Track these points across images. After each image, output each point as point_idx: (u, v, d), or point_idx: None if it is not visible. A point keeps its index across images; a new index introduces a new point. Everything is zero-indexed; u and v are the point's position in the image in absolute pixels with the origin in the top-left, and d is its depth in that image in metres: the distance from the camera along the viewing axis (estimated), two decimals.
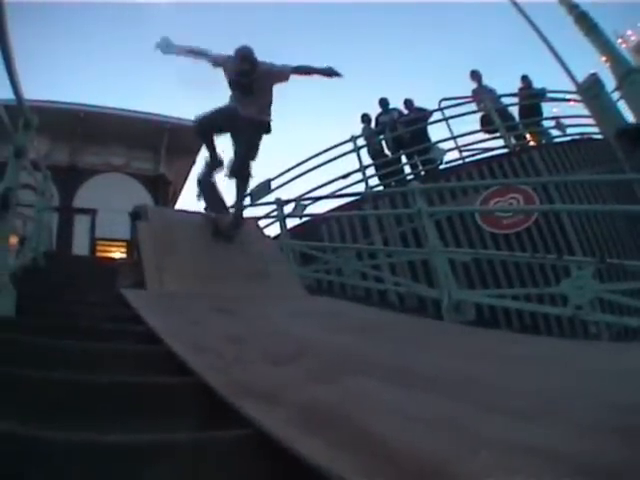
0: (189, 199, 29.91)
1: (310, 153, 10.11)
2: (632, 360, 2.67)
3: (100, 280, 5.24)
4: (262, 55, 5.16)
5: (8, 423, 1.50)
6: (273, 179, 10.34)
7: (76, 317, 3.12)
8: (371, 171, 10.31)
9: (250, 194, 10.29)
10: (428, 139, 10.30)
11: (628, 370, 2.38)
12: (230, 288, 4.49)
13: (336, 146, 10.19)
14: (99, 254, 13.56)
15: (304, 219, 8.77)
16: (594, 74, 9.52)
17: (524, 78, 10.89)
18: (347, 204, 8.74)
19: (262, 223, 8.23)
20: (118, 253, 13.54)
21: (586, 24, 9.21)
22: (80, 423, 1.59)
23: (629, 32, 26.36)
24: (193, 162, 15.74)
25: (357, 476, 1.21)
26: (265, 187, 10.30)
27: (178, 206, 16.95)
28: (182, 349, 2.38)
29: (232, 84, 5.29)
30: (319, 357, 2.57)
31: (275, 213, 8.48)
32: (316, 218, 8.71)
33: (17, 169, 3.28)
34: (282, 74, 5.20)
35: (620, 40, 21.13)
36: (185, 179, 16.53)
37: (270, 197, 9.75)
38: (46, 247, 6.51)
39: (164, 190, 15.41)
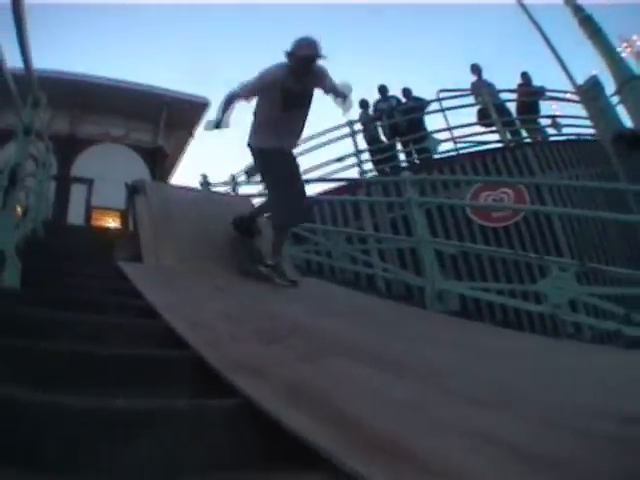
0: (185, 172, 29.87)
1: (307, 134, 10.16)
2: (598, 362, 2.85)
3: (98, 251, 5.31)
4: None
5: (21, 388, 1.63)
6: None
7: (76, 290, 3.22)
8: (366, 156, 10.36)
9: (246, 172, 10.43)
10: (424, 128, 10.35)
11: (593, 372, 2.55)
12: (225, 266, 4.58)
13: (333, 129, 10.25)
14: (94, 223, 13.60)
15: None
16: (594, 76, 9.54)
17: (524, 75, 10.97)
18: (340, 188, 8.75)
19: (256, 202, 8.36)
20: (112, 222, 13.63)
21: (590, 27, 9.08)
22: (83, 390, 1.72)
23: (635, 37, 26.23)
24: (190, 135, 15.85)
25: (337, 449, 1.37)
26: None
27: (174, 179, 17.10)
28: (179, 324, 2.51)
29: (278, 100, 4.45)
30: (307, 338, 2.71)
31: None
32: (309, 199, 8.73)
33: (25, 146, 3.39)
34: (325, 83, 4.55)
35: (625, 44, 21.02)
36: (182, 152, 16.62)
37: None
38: (44, 217, 6.59)
39: (161, 162, 15.47)
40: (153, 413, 1.54)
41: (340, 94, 4.45)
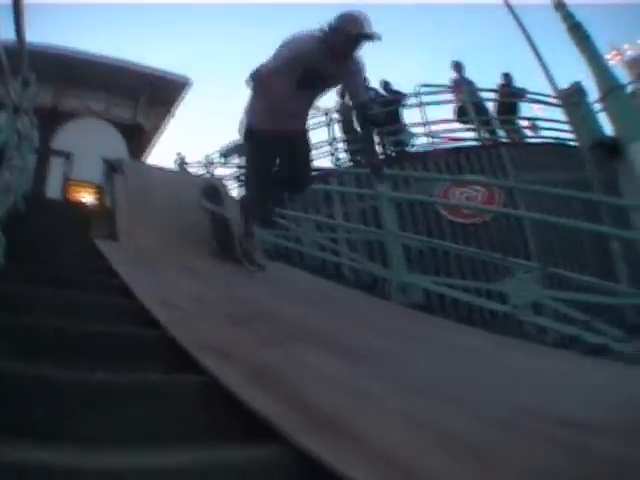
0: (161, 150, 29.73)
1: None
2: (548, 366, 3.00)
3: (76, 227, 5.36)
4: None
5: (5, 360, 1.74)
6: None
7: (57, 267, 3.33)
8: (341, 145, 10.57)
9: (223, 154, 10.51)
10: (401, 121, 10.52)
11: (542, 374, 2.70)
12: (198, 249, 4.71)
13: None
14: (71, 196, 13.63)
15: None
16: (578, 83, 9.64)
17: (505, 75, 11.10)
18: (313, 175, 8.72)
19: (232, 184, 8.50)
20: (89, 197, 13.62)
21: (578, 34, 9.21)
22: (64, 363, 1.83)
23: (626, 46, 26.39)
24: (169, 113, 15.86)
25: (291, 426, 1.53)
26: (236, 148, 10.44)
27: (152, 156, 17.10)
28: (152, 304, 2.62)
29: (294, 77, 3.76)
30: (271, 323, 2.85)
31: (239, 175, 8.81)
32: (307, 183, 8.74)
33: (13, 125, 3.49)
34: (356, 80, 4.05)
35: (615, 52, 21.20)
36: (160, 130, 16.62)
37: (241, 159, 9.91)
38: (25, 190, 6.65)
39: (140, 139, 15.48)
40: (128, 386, 1.67)
41: (375, 163, 4.45)
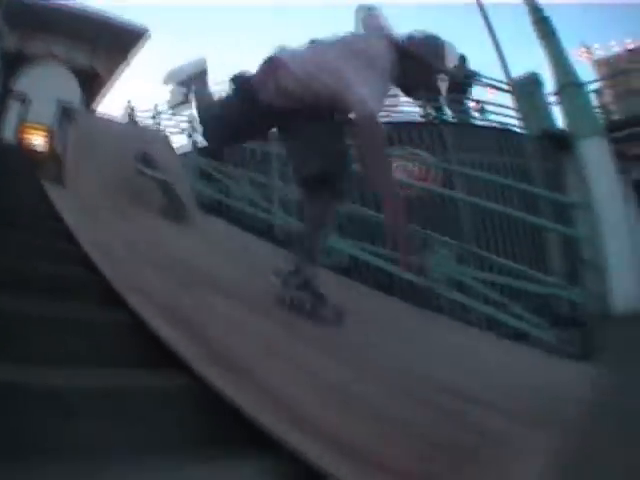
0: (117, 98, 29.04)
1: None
2: (460, 340, 3.30)
3: (28, 171, 5.54)
4: None
5: None
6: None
7: (10, 210, 3.52)
8: None
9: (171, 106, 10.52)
10: None
11: (451, 347, 3.05)
12: (138, 202, 4.89)
13: None
14: (25, 139, 13.59)
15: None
16: (535, 73, 9.64)
17: (460, 57, 11.26)
18: None
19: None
20: (41, 140, 13.56)
21: (544, 29, 9.03)
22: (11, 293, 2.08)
23: (596, 45, 26.59)
24: (125, 60, 15.80)
25: (195, 357, 1.82)
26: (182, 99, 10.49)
27: (105, 103, 17.00)
28: (91, 249, 2.87)
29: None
30: (191, 270, 3.14)
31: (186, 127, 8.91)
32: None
33: None
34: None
35: (584, 50, 21.37)
36: (114, 76, 16.56)
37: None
38: None
39: (94, 85, 15.46)
40: (63, 317, 1.95)
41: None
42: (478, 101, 11.12)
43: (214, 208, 6.64)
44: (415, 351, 2.79)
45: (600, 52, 27.27)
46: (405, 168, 8.13)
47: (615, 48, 16.51)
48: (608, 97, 12.59)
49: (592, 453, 1.94)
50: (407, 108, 10.23)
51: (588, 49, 25.91)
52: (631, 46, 15.57)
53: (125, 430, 1.50)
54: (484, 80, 11.02)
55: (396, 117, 9.77)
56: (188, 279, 2.90)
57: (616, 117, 12.20)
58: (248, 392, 1.68)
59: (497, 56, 9.93)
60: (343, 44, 2.90)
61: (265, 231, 6.56)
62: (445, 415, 1.97)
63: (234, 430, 1.57)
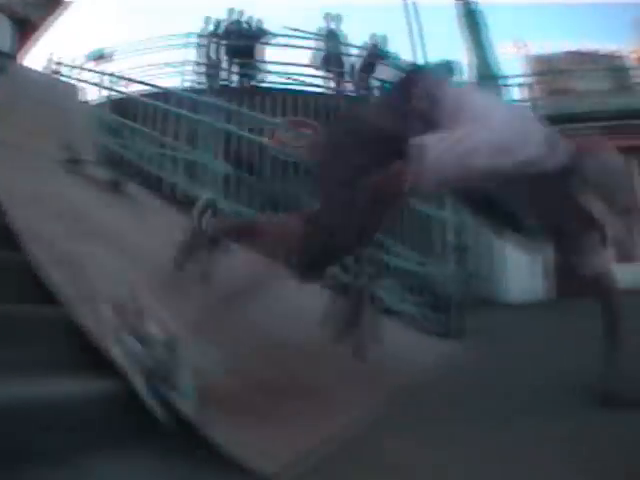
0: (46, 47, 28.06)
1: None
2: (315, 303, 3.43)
3: None
4: None
5: None
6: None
7: None
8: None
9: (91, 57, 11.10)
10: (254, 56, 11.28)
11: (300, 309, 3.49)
12: (47, 153, 5.12)
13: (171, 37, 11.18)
14: None
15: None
16: (448, 60, 9.89)
17: (373, 36, 11.73)
18: (161, 93, 8.74)
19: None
20: None
21: (469, 21, 9.83)
22: None
23: (528, 42, 27.10)
24: (58, 7, 15.43)
25: (74, 299, 2.24)
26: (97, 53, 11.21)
27: (40, 49, 16.57)
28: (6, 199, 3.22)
29: None
30: (81, 222, 3.52)
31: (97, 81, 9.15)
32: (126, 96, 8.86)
33: None
34: None
35: (513, 44, 21.79)
36: (47, 25, 16.14)
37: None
38: None
39: (28, 32, 15.04)
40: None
41: None
42: (380, 80, 10.99)
43: (115, 162, 6.79)
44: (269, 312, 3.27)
45: (538, 50, 27.90)
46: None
47: (553, 47, 17.11)
48: (537, 93, 13.02)
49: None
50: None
51: (519, 45, 26.51)
52: (571, 47, 16.18)
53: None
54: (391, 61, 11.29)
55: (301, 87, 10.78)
56: (77, 228, 3.32)
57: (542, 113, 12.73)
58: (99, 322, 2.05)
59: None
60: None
61: (155, 187, 6.87)
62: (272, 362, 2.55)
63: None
